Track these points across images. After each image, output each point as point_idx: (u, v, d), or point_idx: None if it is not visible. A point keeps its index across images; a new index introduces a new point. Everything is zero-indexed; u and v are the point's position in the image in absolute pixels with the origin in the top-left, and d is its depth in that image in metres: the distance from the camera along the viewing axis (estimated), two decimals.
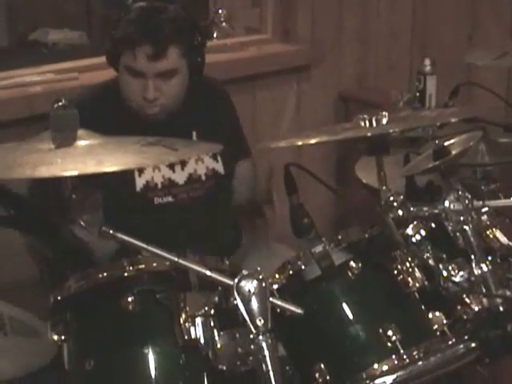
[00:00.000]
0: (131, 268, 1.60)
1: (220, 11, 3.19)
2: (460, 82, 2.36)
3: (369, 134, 1.59)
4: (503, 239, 1.82)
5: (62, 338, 1.65)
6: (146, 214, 2.19)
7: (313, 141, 1.55)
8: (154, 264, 1.60)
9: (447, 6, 3.53)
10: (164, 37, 2.11)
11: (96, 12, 4.82)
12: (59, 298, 1.65)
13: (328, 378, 1.66)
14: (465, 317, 1.73)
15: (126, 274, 1.60)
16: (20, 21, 4.46)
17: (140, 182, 2.19)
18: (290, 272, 1.71)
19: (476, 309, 1.72)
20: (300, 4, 3.19)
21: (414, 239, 1.74)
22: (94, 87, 2.39)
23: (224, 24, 3.30)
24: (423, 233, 1.76)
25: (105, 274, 1.61)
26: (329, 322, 1.71)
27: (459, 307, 1.74)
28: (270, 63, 3.18)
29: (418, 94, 2.82)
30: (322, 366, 1.66)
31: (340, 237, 1.73)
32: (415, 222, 1.75)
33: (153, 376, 1.55)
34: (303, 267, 1.71)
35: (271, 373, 1.38)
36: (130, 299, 1.57)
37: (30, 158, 1.32)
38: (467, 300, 1.73)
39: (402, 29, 3.49)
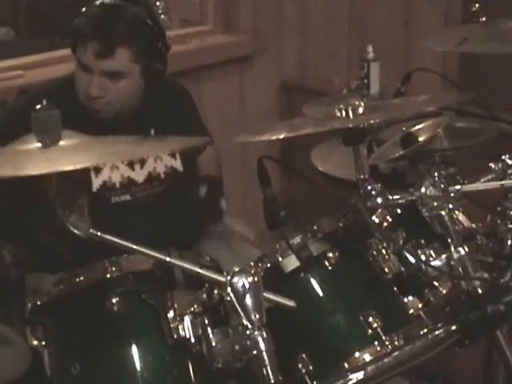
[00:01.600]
0: (113, 269, 1.58)
1: (158, 3, 3.15)
2: (409, 68, 2.39)
3: (350, 125, 1.60)
4: (466, 222, 1.86)
5: (42, 343, 1.62)
6: (102, 214, 2.15)
7: (292, 134, 1.55)
8: (137, 264, 1.58)
9: None
10: (113, 36, 2.07)
11: (23, 7, 4.73)
12: (38, 303, 1.61)
13: (311, 368, 1.66)
14: (432, 299, 1.76)
15: (108, 276, 1.58)
16: None
17: (96, 183, 2.15)
18: (268, 265, 1.71)
19: (444, 291, 1.76)
20: None
21: (384, 226, 1.76)
22: (47, 82, 2.34)
23: (163, 16, 3.27)
24: (389, 219, 1.78)
25: (86, 277, 1.59)
26: (309, 313, 1.71)
27: (427, 290, 1.76)
28: (213, 55, 3.19)
29: (365, 81, 2.84)
30: (305, 356, 1.67)
31: (315, 227, 1.74)
32: (380, 210, 1.77)
33: (142, 376, 1.54)
34: (280, 259, 1.71)
35: (269, 367, 1.38)
36: (114, 300, 1.55)
37: (15, 159, 1.29)
38: (435, 283, 1.76)
39: (339, 16, 3.52)
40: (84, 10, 2.12)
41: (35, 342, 1.62)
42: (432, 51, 3.24)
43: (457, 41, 2.09)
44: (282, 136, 1.56)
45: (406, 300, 1.76)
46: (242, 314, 1.39)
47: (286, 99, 3.38)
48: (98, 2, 2.11)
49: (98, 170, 2.14)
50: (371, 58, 3.02)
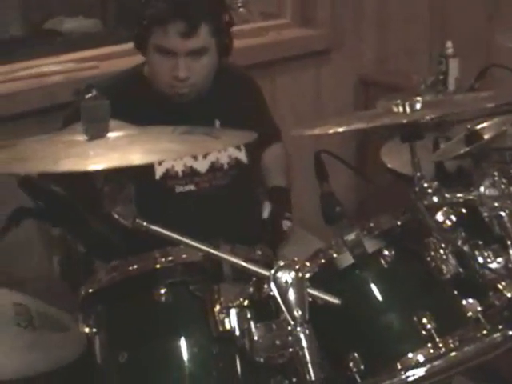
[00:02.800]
0: (163, 260, 1.58)
1: None
2: (487, 64, 2.33)
3: (404, 121, 1.56)
4: None
5: (94, 330, 1.64)
6: (166, 203, 2.16)
7: (348, 128, 1.52)
8: (187, 255, 1.58)
9: None
10: (196, 13, 2.07)
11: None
12: (90, 290, 1.63)
13: (362, 367, 1.64)
14: (497, 303, 1.71)
15: (158, 266, 1.58)
16: (34, 9, 4.43)
17: (160, 171, 2.16)
18: (322, 260, 1.69)
19: (509, 295, 1.70)
20: None
21: (445, 225, 1.72)
22: (114, 75, 2.35)
23: (241, 9, 3.28)
24: (453, 219, 1.73)
25: (136, 266, 1.59)
26: (362, 311, 1.69)
27: (491, 293, 1.71)
28: (290, 48, 3.16)
29: (441, 77, 2.78)
30: (356, 355, 1.65)
31: (372, 224, 1.71)
32: (445, 209, 1.72)
33: (186, 367, 1.54)
34: (335, 255, 1.69)
35: (310, 364, 1.36)
36: (162, 291, 1.56)
37: (62, 151, 1.30)
38: (500, 286, 1.71)
39: (420, 11, 3.45)
40: None
41: (86, 329, 1.64)
42: None
43: None
44: (331, 131, 1.54)
45: (464, 302, 1.71)
46: (284, 309, 1.37)
47: (364, 94, 3.34)
48: None
49: None
50: (450, 54, 2.96)
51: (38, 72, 2.70)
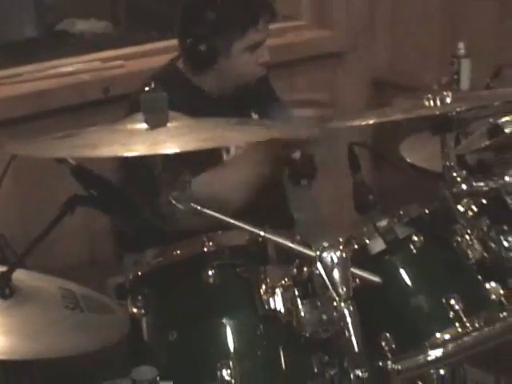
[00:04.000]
0: (211, 243, 1.68)
1: None
2: (502, 64, 2.43)
3: (437, 113, 1.67)
4: None
5: (142, 311, 1.73)
6: None
7: (382, 120, 1.63)
8: (233, 239, 1.68)
9: None
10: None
11: (122, 1, 4.89)
12: (139, 273, 1.73)
13: (393, 346, 1.74)
14: None
15: (205, 249, 1.68)
16: (47, 11, 4.51)
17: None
18: (356, 246, 1.79)
19: None
20: None
21: (468, 215, 1.83)
22: (154, 73, 2.38)
23: None
24: (475, 209, 1.84)
25: (185, 250, 1.70)
26: (394, 294, 1.78)
27: (510, 280, 1.82)
28: (307, 49, 3.26)
29: (455, 77, 2.89)
30: (388, 335, 1.74)
31: (402, 212, 1.81)
32: (465, 200, 1.83)
33: (234, 344, 1.63)
34: (367, 241, 1.79)
35: (353, 337, 1.47)
36: (210, 273, 1.66)
37: (128, 138, 1.41)
38: None
39: (431, 13, 3.56)
40: (214, 8, 2.18)
41: (135, 310, 1.73)
42: None
43: None
44: (371, 121, 1.64)
45: (488, 286, 1.82)
46: (330, 286, 1.47)
47: (377, 94, 3.44)
48: None
49: (227, 150, 2.23)
50: (462, 55, 3.07)
51: (67, 71, 2.80)
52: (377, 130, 3.14)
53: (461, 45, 3.06)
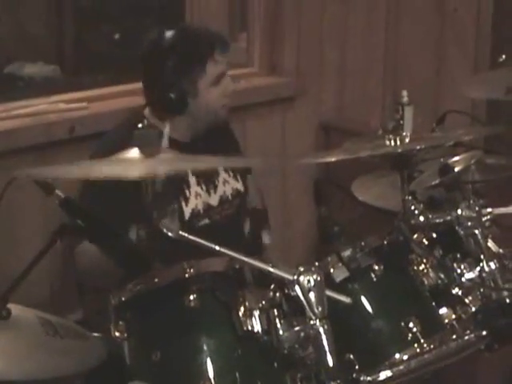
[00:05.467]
0: (191, 270, 1.81)
1: None
2: (445, 111, 2.64)
3: (399, 150, 1.85)
4: (495, 247, 2.09)
5: (124, 335, 1.84)
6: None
7: (350, 156, 1.80)
8: (212, 265, 1.82)
9: (416, 42, 3.85)
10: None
11: (70, 45, 4.98)
12: (123, 298, 1.84)
13: (357, 367, 1.88)
14: (463, 316, 1.98)
15: (186, 275, 1.81)
16: None
17: (187, 212, 2.38)
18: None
19: (473, 309, 1.98)
20: (286, 40, 3.47)
21: (423, 244, 2.01)
22: (120, 126, 2.47)
23: None
24: (425, 242, 2.03)
25: (166, 276, 1.82)
26: (357, 318, 1.94)
27: (458, 307, 1.99)
28: (258, 95, 3.43)
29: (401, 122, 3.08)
30: (351, 356, 1.89)
31: (363, 243, 1.98)
32: (416, 234, 2.02)
33: (214, 363, 1.75)
34: (332, 270, 1.94)
35: (328, 353, 1.61)
36: (191, 297, 1.78)
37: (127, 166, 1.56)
38: (466, 300, 1.99)
39: (375, 63, 3.79)
40: (176, 42, 2.32)
41: (117, 334, 1.84)
42: (461, 96, 3.50)
43: (490, 87, 2.34)
44: (340, 157, 1.80)
45: (441, 311, 1.99)
46: (307, 307, 1.62)
47: (325, 138, 3.61)
48: (181, 34, 2.36)
49: (186, 200, 2.37)
50: (405, 102, 3.26)
51: (34, 111, 2.90)
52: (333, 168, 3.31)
53: (404, 93, 3.24)
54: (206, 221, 2.43)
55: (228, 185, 2.47)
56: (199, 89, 2.34)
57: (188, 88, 2.33)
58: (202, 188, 2.38)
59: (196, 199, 2.39)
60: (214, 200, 2.44)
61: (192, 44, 2.33)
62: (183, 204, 2.36)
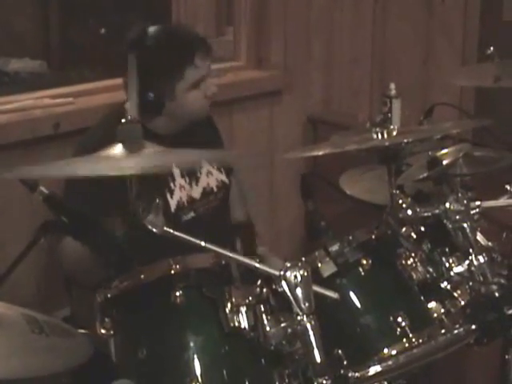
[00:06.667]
0: (177, 266, 1.79)
1: None
2: (432, 103, 2.62)
3: (386, 144, 1.83)
4: (484, 241, 2.08)
5: (111, 332, 1.82)
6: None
7: (336, 150, 1.78)
8: (198, 262, 1.80)
9: (404, 34, 3.84)
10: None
11: (55, 40, 4.96)
12: (109, 295, 1.82)
13: (345, 363, 1.87)
14: (452, 310, 1.97)
15: (172, 272, 1.79)
16: None
17: (173, 204, 2.37)
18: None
19: (463, 303, 1.97)
20: (273, 33, 3.45)
21: (411, 238, 1.99)
22: (102, 122, 2.46)
23: None
24: (414, 236, 2.01)
25: (152, 273, 1.80)
26: (344, 313, 1.92)
27: (447, 301, 1.98)
28: (245, 89, 3.42)
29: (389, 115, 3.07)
30: (340, 352, 1.88)
31: (351, 237, 1.96)
32: (404, 228, 2.00)
33: (201, 360, 1.73)
34: (320, 265, 1.92)
35: (315, 349, 1.60)
36: (177, 294, 1.76)
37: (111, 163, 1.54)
38: (455, 294, 1.98)
39: (363, 55, 3.77)
40: (157, 45, 2.29)
41: (103, 331, 1.82)
42: (449, 88, 3.50)
43: (477, 79, 2.33)
44: (327, 151, 1.79)
45: (429, 305, 1.97)
46: (293, 302, 1.60)
47: (312, 132, 3.60)
48: (164, 35, 2.33)
49: (171, 192, 2.36)
50: (393, 95, 3.26)
51: (19, 106, 2.87)
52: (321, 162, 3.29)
53: (392, 85, 3.24)
54: (192, 214, 2.41)
55: (212, 176, 2.45)
56: (177, 92, 2.32)
57: (165, 91, 2.31)
58: (185, 180, 2.36)
59: (180, 191, 2.37)
60: (196, 192, 2.42)
61: (171, 49, 2.31)
62: (168, 196, 2.35)
